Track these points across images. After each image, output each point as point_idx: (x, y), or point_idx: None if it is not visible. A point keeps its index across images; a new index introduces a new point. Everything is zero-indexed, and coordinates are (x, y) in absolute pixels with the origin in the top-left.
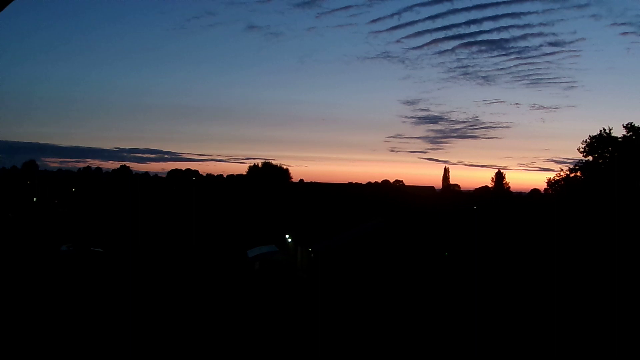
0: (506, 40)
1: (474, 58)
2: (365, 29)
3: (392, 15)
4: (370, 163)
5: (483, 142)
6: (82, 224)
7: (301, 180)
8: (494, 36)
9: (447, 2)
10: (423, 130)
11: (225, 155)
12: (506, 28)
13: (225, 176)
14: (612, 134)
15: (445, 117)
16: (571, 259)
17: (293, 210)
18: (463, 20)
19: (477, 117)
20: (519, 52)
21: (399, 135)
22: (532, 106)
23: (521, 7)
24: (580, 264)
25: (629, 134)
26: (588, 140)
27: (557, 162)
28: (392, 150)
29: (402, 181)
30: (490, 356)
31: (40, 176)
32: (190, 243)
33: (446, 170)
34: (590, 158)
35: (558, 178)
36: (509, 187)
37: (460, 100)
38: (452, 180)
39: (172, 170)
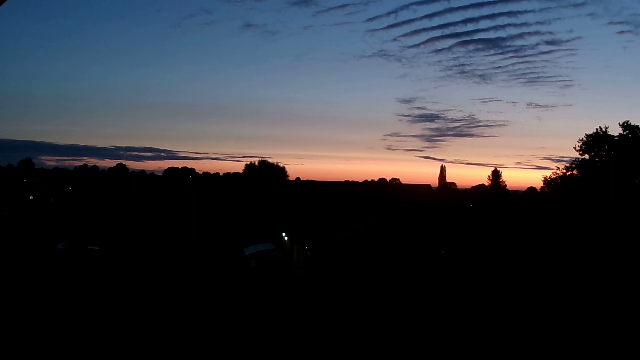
0: (503, 39)
1: (470, 56)
2: (361, 27)
3: (388, 13)
4: (366, 161)
5: (479, 140)
6: (78, 222)
7: (298, 178)
8: (491, 35)
9: (443, 1)
10: (419, 128)
11: (222, 153)
12: (503, 27)
13: (221, 174)
14: (609, 133)
15: (442, 116)
16: (568, 258)
17: (289, 209)
18: (460, 19)
19: (473, 115)
20: (515, 51)
21: (395, 133)
22: (529, 104)
23: (518, 5)
24: (577, 263)
25: (625, 133)
26: (584, 138)
27: (553, 160)
28: (389, 149)
29: (398, 179)
30: (490, 355)
31: (36, 174)
32: (189, 241)
33: (442, 169)
34: (586, 156)
35: (554, 176)
36: (505, 185)
37: (456, 98)
38: (448, 179)
39: (169, 168)
